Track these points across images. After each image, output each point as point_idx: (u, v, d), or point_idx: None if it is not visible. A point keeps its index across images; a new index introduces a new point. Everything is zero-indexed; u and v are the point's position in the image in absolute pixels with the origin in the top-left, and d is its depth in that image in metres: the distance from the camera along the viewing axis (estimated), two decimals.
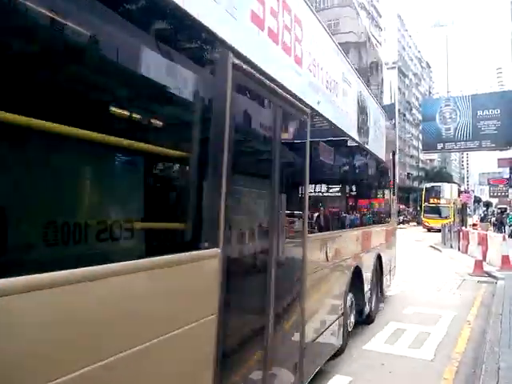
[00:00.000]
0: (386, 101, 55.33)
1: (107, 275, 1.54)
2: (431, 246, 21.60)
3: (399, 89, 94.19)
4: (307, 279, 3.54)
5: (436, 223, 37.51)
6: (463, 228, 21.95)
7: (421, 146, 72.10)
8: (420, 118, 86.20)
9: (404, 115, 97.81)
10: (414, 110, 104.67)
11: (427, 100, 68.72)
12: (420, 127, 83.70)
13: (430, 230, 37.84)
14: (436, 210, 40.07)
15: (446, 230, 22.27)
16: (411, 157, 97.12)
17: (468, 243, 16.91)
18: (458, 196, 40.53)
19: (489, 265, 12.76)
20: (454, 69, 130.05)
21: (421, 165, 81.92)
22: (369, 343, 5.57)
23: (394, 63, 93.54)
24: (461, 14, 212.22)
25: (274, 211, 2.97)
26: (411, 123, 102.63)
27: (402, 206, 49.64)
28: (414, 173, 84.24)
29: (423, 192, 44.35)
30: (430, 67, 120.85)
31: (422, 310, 7.45)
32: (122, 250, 1.74)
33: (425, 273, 12.12)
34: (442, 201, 40.91)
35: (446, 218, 37.05)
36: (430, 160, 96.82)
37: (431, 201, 41.60)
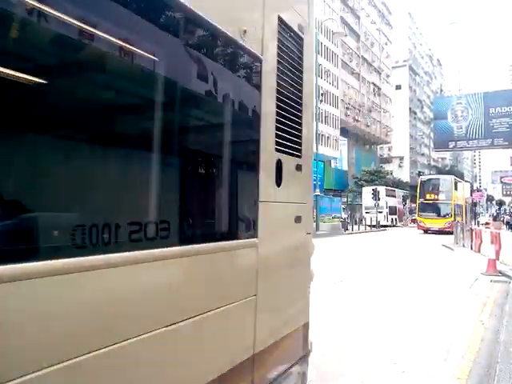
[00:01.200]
0: None
1: (192, 253, 2.03)
2: (443, 245, 21.51)
3: (410, 87, 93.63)
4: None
5: (433, 223, 33.68)
6: (475, 227, 21.78)
7: (432, 145, 71.89)
8: (431, 116, 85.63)
9: (415, 113, 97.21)
10: (425, 108, 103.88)
11: (438, 98, 68.38)
12: (431, 125, 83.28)
13: (426, 231, 33.90)
14: (433, 208, 34.55)
15: (459, 229, 22.12)
16: (422, 155, 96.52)
17: (481, 242, 16.78)
18: (471, 194, 39.34)
19: (502, 264, 12.66)
20: (466, 66, 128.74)
21: (432, 163, 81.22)
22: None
23: (404, 61, 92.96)
24: (472, 10, 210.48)
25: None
26: (422, 121, 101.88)
27: (414, 205, 49.08)
28: (426, 171, 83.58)
29: (418, 185, 37.74)
30: (441, 65, 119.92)
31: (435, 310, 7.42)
32: (199, 235, 2.21)
33: (437, 272, 12.04)
34: (441, 196, 35.14)
35: (445, 216, 33.60)
36: (442, 158, 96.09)
37: (428, 196, 35.65)
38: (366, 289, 9.37)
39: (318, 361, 3.94)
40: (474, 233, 18.75)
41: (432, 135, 73.37)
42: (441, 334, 5.95)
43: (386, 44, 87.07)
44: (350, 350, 5.28)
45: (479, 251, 16.61)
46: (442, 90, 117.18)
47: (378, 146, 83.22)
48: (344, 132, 63.41)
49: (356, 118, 65.19)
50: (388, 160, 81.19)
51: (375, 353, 5.21)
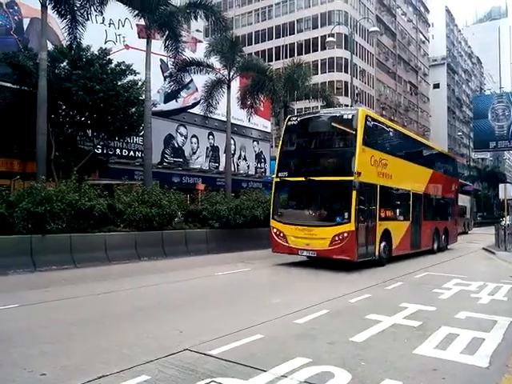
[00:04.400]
0: None
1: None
2: (484, 249, 20.81)
3: (448, 85, 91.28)
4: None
5: (307, 240, 13.01)
6: None
7: (472, 145, 69.80)
8: (471, 115, 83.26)
9: (454, 113, 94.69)
10: (464, 108, 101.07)
11: (478, 97, 66.40)
12: (471, 125, 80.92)
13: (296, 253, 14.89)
14: (312, 200, 13.68)
15: (501, 231, 21.22)
16: (462, 155, 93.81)
17: None
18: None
19: None
20: (507, 63, 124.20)
21: (472, 164, 78.80)
22: (419, 347, 5.40)
23: (442, 59, 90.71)
24: None
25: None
26: (461, 121, 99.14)
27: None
28: (466, 172, 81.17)
29: (281, 143, 15.04)
30: (480, 63, 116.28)
31: (475, 315, 7.15)
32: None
33: (477, 276, 11.66)
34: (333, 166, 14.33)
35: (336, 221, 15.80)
36: (482, 159, 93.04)
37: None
38: None
39: None
40: None
41: (472, 135, 71.32)
42: (482, 341, 5.73)
43: (423, 42, 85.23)
44: None
45: None
46: (482, 89, 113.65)
47: None
48: None
49: (392, 117, 63.92)
50: None
51: None
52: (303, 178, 12.59)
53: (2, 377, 4.34)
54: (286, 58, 51.43)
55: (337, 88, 51.10)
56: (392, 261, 14.09)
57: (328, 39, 27.36)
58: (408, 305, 7.70)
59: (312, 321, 6.52)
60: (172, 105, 32.29)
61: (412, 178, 16.15)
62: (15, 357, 4.84)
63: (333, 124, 13.50)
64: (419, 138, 20.20)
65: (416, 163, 16.64)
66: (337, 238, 11.77)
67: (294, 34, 59.83)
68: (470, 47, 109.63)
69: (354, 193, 11.59)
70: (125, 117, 20.65)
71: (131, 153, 28.58)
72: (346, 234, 11.67)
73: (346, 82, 52.29)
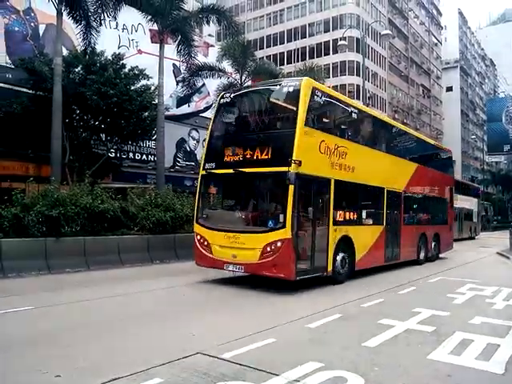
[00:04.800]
0: None
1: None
2: (498, 253, 20.54)
3: (461, 88, 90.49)
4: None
5: (235, 251, 9.60)
6: None
7: (486, 148, 69.09)
8: (484, 118, 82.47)
9: (467, 116, 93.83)
10: (477, 110, 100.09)
11: (492, 99, 65.86)
12: (484, 128, 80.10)
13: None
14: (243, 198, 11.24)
15: None
16: (475, 159, 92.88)
17: None
18: None
19: None
20: None
21: (486, 167, 77.91)
22: (433, 353, 5.36)
23: (455, 62, 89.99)
24: None
25: None
26: (475, 124, 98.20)
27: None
28: (479, 176, 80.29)
29: (209, 129, 11.78)
30: (494, 65, 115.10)
31: (490, 321, 7.08)
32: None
33: (492, 281, 11.50)
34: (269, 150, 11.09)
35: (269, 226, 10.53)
36: (496, 162, 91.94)
37: (229, 159, 10.66)
38: None
39: None
40: None
41: (485, 138, 70.53)
42: (497, 347, 5.66)
43: (436, 45, 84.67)
44: None
45: None
46: (495, 92, 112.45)
47: None
48: None
49: (405, 121, 63.50)
50: None
51: None
52: (231, 170, 9.72)
53: (17, 378, 4.40)
54: (298, 61, 51.49)
55: (349, 91, 50.95)
56: (359, 275, 11.31)
57: (340, 43, 27.31)
58: (422, 309, 7.65)
59: None
60: (184, 109, 32.49)
61: (387, 173, 13.10)
62: (30, 358, 4.90)
63: (271, 100, 10.40)
64: (399, 125, 16.33)
65: (393, 155, 13.66)
66: (268, 249, 8.84)
67: (305, 37, 59.82)
68: (483, 49, 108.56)
69: (291, 188, 8.69)
70: (138, 121, 20.87)
71: (144, 156, 28.79)
72: (279, 244, 8.73)
73: (357, 86, 52.14)
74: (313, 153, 9.53)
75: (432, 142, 19.54)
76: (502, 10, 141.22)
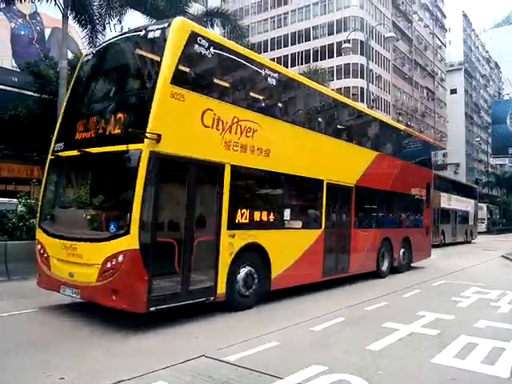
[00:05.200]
0: None
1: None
2: (503, 256, 20.43)
3: (466, 91, 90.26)
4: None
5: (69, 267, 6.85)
6: None
7: (490, 151, 68.81)
8: (489, 120, 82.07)
9: (471, 118, 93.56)
10: (482, 113, 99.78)
11: (497, 102, 65.69)
12: (489, 130, 79.76)
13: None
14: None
15: None
16: (480, 161, 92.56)
17: None
18: None
19: None
20: None
21: (490, 170, 77.58)
22: (438, 356, 5.34)
23: (459, 64, 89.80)
24: None
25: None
26: (479, 126, 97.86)
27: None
28: (484, 178, 79.96)
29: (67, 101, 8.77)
30: (498, 68, 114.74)
31: (495, 324, 7.05)
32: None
33: (497, 285, 11.45)
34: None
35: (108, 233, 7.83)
36: (501, 165, 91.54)
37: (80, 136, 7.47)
38: None
39: None
40: None
41: (490, 141, 70.26)
42: (502, 351, 5.63)
43: (440, 47, 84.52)
44: None
45: None
46: (500, 94, 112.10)
47: (433, 153, 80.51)
48: None
49: (409, 123, 63.40)
50: (443, 167, 78.38)
51: None
52: (77, 151, 6.92)
53: (22, 381, 4.41)
54: (302, 64, 51.55)
55: (353, 94, 50.90)
56: (278, 296, 8.45)
57: (344, 45, 27.36)
58: (426, 313, 7.63)
59: None
60: None
61: (327, 161, 10.06)
62: (35, 360, 4.92)
63: (135, 52, 7.66)
64: (351, 102, 12.70)
65: (338, 138, 10.75)
66: (108, 265, 6.00)
67: (309, 40, 59.87)
68: (487, 52, 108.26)
69: (141, 176, 5.90)
70: None
71: None
72: (120, 258, 5.91)
73: (362, 88, 52.09)
74: (188, 125, 6.76)
75: (402, 127, 16.05)
76: (506, 12, 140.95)
